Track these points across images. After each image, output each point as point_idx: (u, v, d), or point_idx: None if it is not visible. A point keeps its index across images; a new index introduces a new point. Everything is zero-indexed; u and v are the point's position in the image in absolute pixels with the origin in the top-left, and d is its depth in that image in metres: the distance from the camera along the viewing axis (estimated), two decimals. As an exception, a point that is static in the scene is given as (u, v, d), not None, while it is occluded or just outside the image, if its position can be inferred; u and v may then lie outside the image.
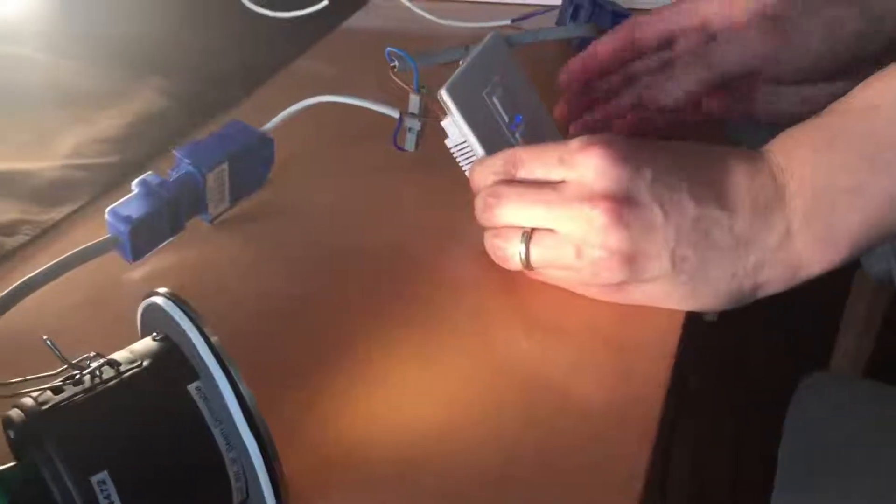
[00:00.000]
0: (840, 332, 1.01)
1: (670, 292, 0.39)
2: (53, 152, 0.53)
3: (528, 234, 0.40)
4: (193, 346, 0.26)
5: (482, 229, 0.43)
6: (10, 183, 0.50)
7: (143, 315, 0.30)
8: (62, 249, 0.45)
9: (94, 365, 0.27)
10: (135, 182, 0.43)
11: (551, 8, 0.68)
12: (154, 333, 0.28)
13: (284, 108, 0.51)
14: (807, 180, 0.38)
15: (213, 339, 0.26)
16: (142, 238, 0.42)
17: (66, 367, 0.27)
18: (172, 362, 0.27)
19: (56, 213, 0.48)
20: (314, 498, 0.31)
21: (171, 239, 0.44)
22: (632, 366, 0.38)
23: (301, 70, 0.65)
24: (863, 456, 0.58)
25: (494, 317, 0.42)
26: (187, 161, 0.44)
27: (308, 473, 0.31)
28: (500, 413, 0.35)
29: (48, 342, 0.27)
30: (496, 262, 0.42)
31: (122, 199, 0.42)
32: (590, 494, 0.32)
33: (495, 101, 0.46)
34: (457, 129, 0.44)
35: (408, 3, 0.70)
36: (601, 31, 0.53)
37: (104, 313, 0.42)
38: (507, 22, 0.69)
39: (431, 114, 0.47)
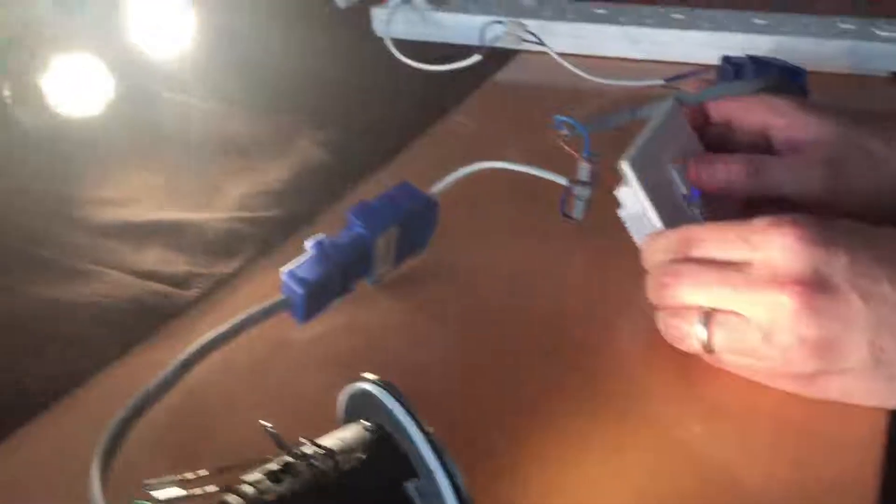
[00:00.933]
0: None
1: (871, 388, 0.37)
2: (220, 203, 0.54)
3: (709, 316, 0.39)
4: (413, 443, 0.26)
5: (649, 302, 0.42)
6: (179, 234, 0.51)
7: (347, 398, 0.30)
8: (231, 305, 0.47)
9: (308, 452, 0.26)
10: (308, 243, 0.43)
11: (706, 68, 0.67)
12: (365, 422, 0.28)
13: (439, 162, 0.51)
14: None
15: (434, 435, 0.26)
16: (314, 300, 0.42)
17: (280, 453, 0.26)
18: (389, 456, 0.27)
19: (225, 267, 0.49)
20: None
21: (339, 301, 0.44)
22: (828, 460, 0.36)
23: (454, 124, 0.65)
24: None
25: (665, 398, 0.40)
26: (359, 223, 0.44)
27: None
28: (657, 493, 0.34)
29: (268, 428, 0.26)
30: (669, 341, 0.41)
31: (296, 261, 0.42)
32: None
33: (674, 171, 0.45)
34: (634, 200, 0.43)
35: (558, 58, 0.69)
36: (777, 86, 0.51)
37: (273, 375, 0.42)
38: (660, 82, 0.68)
39: (602, 181, 0.46)
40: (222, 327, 0.40)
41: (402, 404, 0.27)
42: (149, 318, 0.45)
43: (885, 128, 0.49)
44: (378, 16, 0.77)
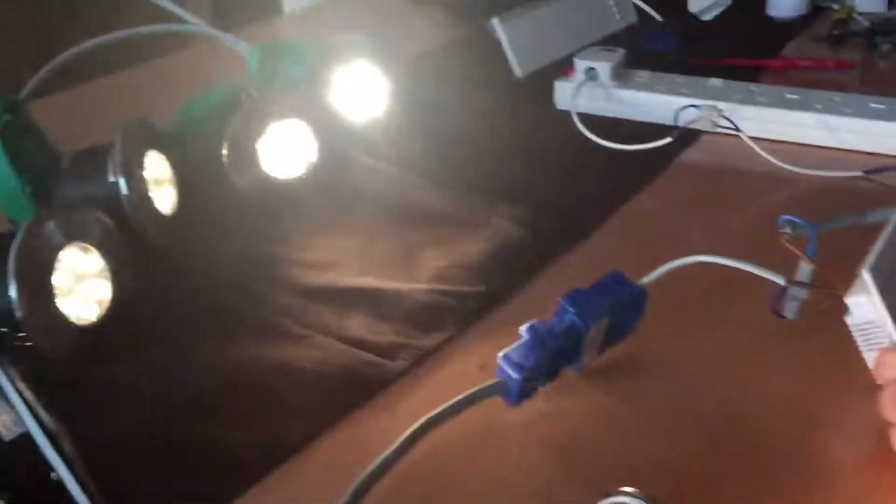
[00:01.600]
0: None
1: None
2: (418, 274, 0.55)
3: None
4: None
5: (872, 417, 0.40)
6: (381, 302, 0.53)
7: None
8: (438, 379, 0.48)
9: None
10: (524, 328, 0.43)
11: (911, 160, 0.64)
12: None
13: (630, 245, 0.50)
14: None
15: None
16: (527, 385, 0.43)
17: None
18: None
19: (429, 340, 0.50)
20: None
21: (544, 386, 0.44)
22: None
23: (643, 204, 0.64)
24: None
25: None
26: (572, 311, 0.44)
27: None
28: None
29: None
30: None
31: (513, 345, 0.43)
32: None
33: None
34: (869, 310, 0.42)
35: (751, 143, 0.68)
36: None
37: (485, 458, 0.42)
38: (859, 173, 0.65)
39: (826, 286, 0.44)
40: (444, 405, 0.41)
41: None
42: (361, 388, 0.46)
43: None
44: (562, 89, 0.78)
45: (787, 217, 0.46)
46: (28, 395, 0.33)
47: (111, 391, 0.46)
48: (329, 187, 0.65)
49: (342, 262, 0.57)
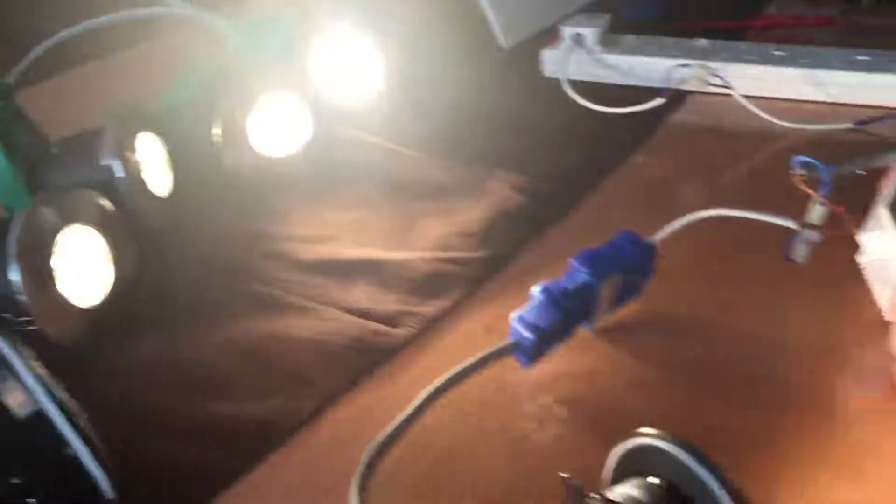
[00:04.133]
0: None
1: None
2: (418, 243, 0.55)
3: None
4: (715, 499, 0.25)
5: (884, 356, 0.40)
6: (382, 272, 0.52)
7: (626, 452, 0.29)
8: (446, 345, 0.47)
9: (601, 505, 0.26)
10: (536, 289, 0.43)
11: (900, 111, 0.65)
12: (655, 479, 0.28)
13: (629, 205, 0.50)
14: None
15: (740, 492, 0.25)
16: (541, 345, 0.42)
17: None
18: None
19: (434, 307, 0.49)
20: None
21: (558, 346, 0.44)
22: None
23: (638, 165, 0.64)
24: None
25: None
26: (584, 270, 0.44)
27: None
28: None
29: (569, 480, 0.26)
30: None
31: (526, 306, 0.43)
32: None
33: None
34: (882, 246, 0.42)
35: (742, 100, 0.68)
36: None
37: (500, 417, 0.42)
38: (850, 125, 0.66)
39: (838, 226, 0.44)
40: (457, 367, 0.40)
41: (701, 460, 0.26)
42: (369, 357, 0.46)
43: None
44: (550, 57, 0.77)
45: (801, 158, 0.46)
46: (41, 371, 0.32)
47: (118, 373, 0.46)
48: (324, 163, 0.64)
49: (341, 235, 0.57)
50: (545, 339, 0.42)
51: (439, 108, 0.72)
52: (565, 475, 0.27)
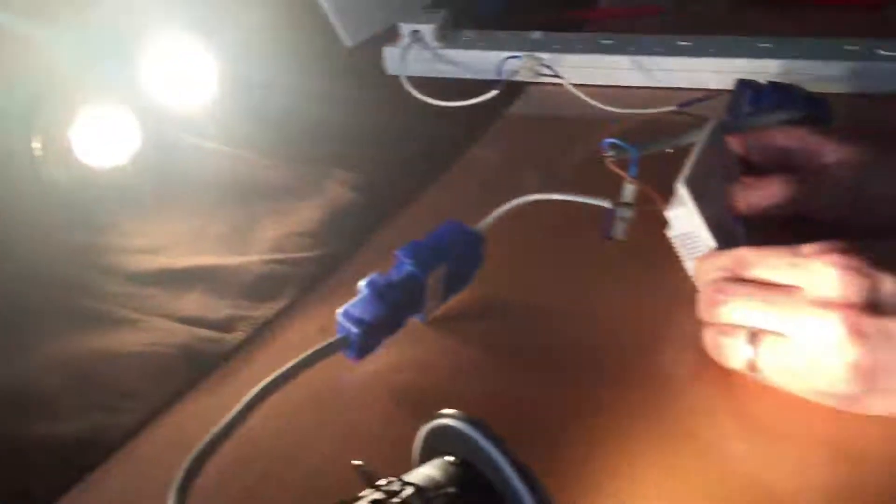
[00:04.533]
0: None
1: None
2: (254, 247, 0.54)
3: (756, 336, 0.40)
4: (504, 476, 0.26)
5: (696, 324, 0.42)
6: (217, 278, 0.51)
7: (426, 435, 0.30)
8: (277, 347, 0.47)
9: (398, 489, 0.27)
10: (362, 283, 0.43)
11: (719, 93, 0.68)
12: (449, 458, 0.28)
13: (466, 196, 0.51)
14: None
15: (525, 465, 0.26)
16: (368, 338, 0.43)
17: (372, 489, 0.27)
18: (478, 490, 0.27)
19: (267, 310, 0.49)
20: None
21: (390, 338, 0.45)
22: (869, 480, 0.36)
23: (476, 157, 0.65)
24: None
25: (711, 416, 0.41)
26: (409, 262, 0.44)
27: None
28: None
29: (360, 466, 0.27)
30: (715, 358, 0.42)
31: (351, 301, 0.43)
32: None
33: (721, 194, 0.46)
34: (687, 221, 0.44)
35: (573, 89, 0.70)
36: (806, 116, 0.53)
37: (330, 414, 0.42)
38: (674, 108, 0.69)
39: (648, 203, 0.46)
40: (283, 368, 0.40)
41: (488, 435, 0.27)
42: (199, 364, 0.45)
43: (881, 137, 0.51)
44: (390, 54, 0.78)
45: (609, 140, 0.48)
46: None
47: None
48: (157, 172, 0.62)
49: (174, 244, 0.55)
50: (372, 332, 0.42)
51: (279, 109, 0.72)
52: (357, 462, 0.27)
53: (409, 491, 0.26)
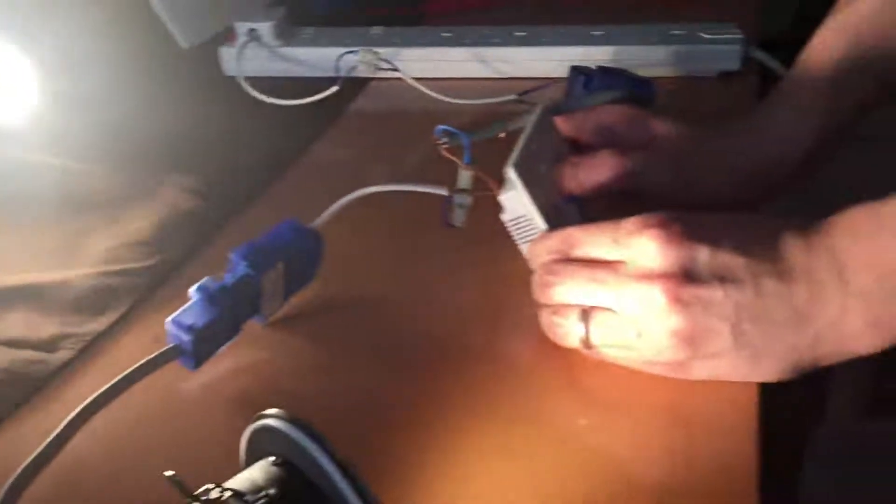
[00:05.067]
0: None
1: (734, 367, 0.39)
2: (84, 260, 0.52)
3: (587, 313, 0.41)
4: (323, 471, 0.26)
5: (536, 306, 0.43)
6: (41, 296, 0.48)
7: (251, 437, 0.29)
8: (110, 361, 0.45)
9: (217, 497, 0.26)
10: (192, 288, 0.42)
11: (556, 80, 0.70)
12: (272, 458, 0.27)
13: (310, 195, 0.50)
14: (873, 264, 0.38)
15: (345, 460, 0.26)
16: (203, 346, 0.41)
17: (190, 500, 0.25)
18: (300, 490, 0.26)
19: (98, 324, 0.46)
20: None
21: (228, 343, 0.43)
22: (702, 443, 0.38)
23: (320, 154, 0.65)
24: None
25: (551, 394, 0.42)
26: (244, 264, 0.43)
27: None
28: (563, 496, 0.35)
29: (172, 477, 0.25)
30: (552, 339, 0.43)
31: (182, 308, 0.41)
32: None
33: (551, 176, 0.47)
34: (518, 205, 0.45)
35: (412, 82, 0.70)
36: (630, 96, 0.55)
37: (168, 426, 0.40)
38: (514, 97, 0.70)
39: (483, 188, 0.47)
40: (109, 384, 0.38)
41: (308, 433, 0.26)
42: (22, 388, 0.42)
43: (718, 126, 0.54)
44: (227, 55, 0.76)
45: (442, 127, 0.48)
46: None
47: None
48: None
49: (-4, 263, 0.52)
50: (206, 338, 0.41)
51: (112, 116, 0.69)
52: (169, 473, 0.26)
53: (227, 495, 0.26)
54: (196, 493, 0.26)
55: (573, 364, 0.43)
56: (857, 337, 0.38)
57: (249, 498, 0.26)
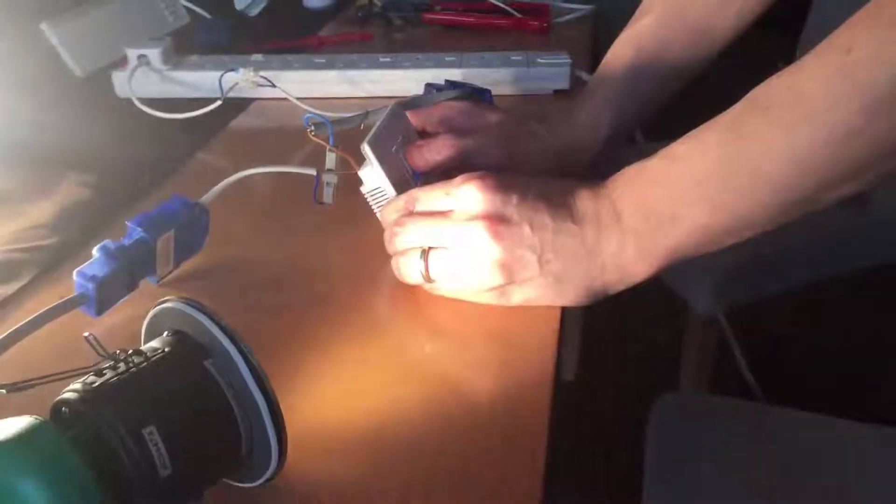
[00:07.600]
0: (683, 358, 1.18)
1: (542, 291, 0.50)
2: (-8, 241, 0.58)
3: (426, 253, 0.51)
4: (207, 331, 0.34)
5: (388, 270, 0.53)
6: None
7: (150, 321, 0.37)
8: (20, 318, 0.51)
9: (124, 357, 0.34)
10: (96, 248, 0.49)
11: (416, 97, 0.80)
12: (166, 332, 0.36)
13: (194, 191, 0.59)
14: (640, 207, 0.48)
15: (224, 323, 0.34)
16: (104, 295, 0.49)
17: (103, 358, 0.33)
18: (188, 347, 0.35)
19: (7, 289, 0.53)
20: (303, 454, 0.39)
21: (126, 297, 0.51)
22: (518, 357, 0.48)
23: (203, 161, 0.73)
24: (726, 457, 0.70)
25: (402, 324, 0.51)
26: (139, 229, 0.51)
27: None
28: (405, 397, 0.44)
29: (90, 338, 0.33)
30: (401, 280, 0.52)
31: (86, 263, 0.49)
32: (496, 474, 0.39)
33: (401, 156, 0.57)
34: (374, 177, 0.54)
35: (293, 99, 0.80)
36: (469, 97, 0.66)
37: (69, 364, 0.47)
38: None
39: (346, 168, 0.56)
40: (23, 322, 0.45)
41: (198, 307, 0.35)
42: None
43: (541, 119, 0.65)
44: (119, 78, 0.83)
45: (310, 114, 0.57)
46: None
47: None
48: None
49: None
50: (106, 289, 0.48)
51: (15, 134, 0.75)
52: (86, 334, 0.34)
53: (129, 355, 0.34)
54: (108, 352, 0.34)
55: (420, 304, 0.52)
56: (633, 264, 0.49)
57: (149, 354, 0.34)
